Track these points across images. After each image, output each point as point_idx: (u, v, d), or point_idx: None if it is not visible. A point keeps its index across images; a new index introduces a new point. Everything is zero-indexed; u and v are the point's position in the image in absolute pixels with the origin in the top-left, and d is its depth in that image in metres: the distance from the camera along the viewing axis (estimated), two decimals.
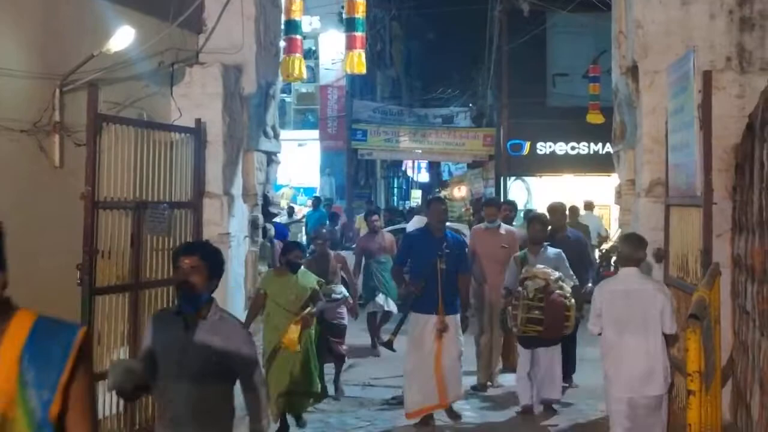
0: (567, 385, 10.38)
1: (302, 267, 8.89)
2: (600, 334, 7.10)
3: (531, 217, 10.76)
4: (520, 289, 8.93)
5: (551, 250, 9.60)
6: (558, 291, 8.83)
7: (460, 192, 33.87)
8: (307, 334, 8.75)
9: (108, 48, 7.68)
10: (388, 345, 9.29)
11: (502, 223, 11.08)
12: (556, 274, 8.97)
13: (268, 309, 8.76)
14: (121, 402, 7.99)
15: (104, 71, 7.84)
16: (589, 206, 20.53)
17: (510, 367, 10.82)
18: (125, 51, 7.93)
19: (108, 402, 7.83)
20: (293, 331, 8.52)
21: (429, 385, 8.85)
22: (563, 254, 9.58)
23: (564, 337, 9.60)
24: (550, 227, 10.20)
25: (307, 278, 8.84)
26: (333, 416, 9.33)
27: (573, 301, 8.94)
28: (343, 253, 12.62)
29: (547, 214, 10.84)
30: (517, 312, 8.84)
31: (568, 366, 10.47)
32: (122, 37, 7.73)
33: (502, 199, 24.89)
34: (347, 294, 10.24)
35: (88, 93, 7.50)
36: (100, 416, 7.71)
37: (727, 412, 7.52)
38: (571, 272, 9.44)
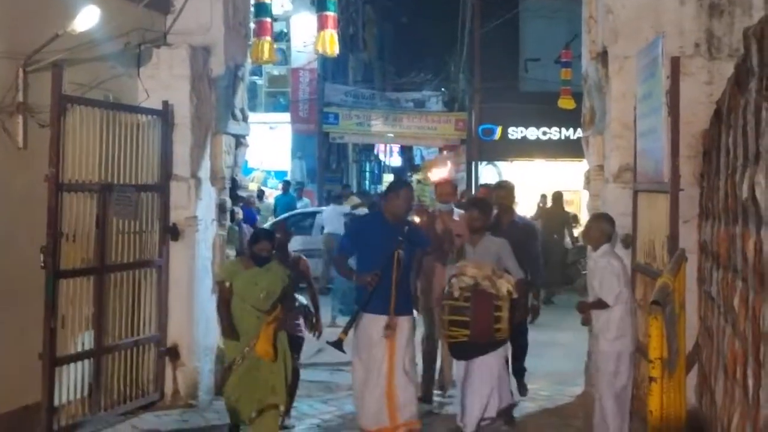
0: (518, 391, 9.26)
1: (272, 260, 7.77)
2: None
3: (469, 200, 9.57)
4: (446, 288, 7.85)
5: (492, 240, 8.31)
6: (489, 289, 7.66)
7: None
8: (281, 338, 7.58)
9: (73, 28, 7.56)
10: (338, 345, 7.48)
11: (455, 208, 9.67)
12: (490, 268, 7.79)
13: (234, 307, 7.65)
14: (86, 386, 7.96)
15: (69, 51, 7.73)
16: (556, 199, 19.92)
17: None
18: (91, 31, 7.81)
19: (72, 386, 7.79)
20: (266, 337, 7.38)
21: (379, 404, 7.42)
22: (507, 244, 8.31)
23: (516, 337, 8.60)
24: (496, 211, 9.20)
25: (278, 270, 7.73)
26: (301, 401, 9.30)
27: (507, 298, 7.66)
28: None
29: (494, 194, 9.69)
30: (442, 314, 7.85)
31: (516, 367, 9.31)
32: (87, 17, 7.61)
33: (472, 184, 25.13)
34: (305, 303, 8.63)
35: (53, 73, 7.41)
36: (65, 400, 7.66)
37: (693, 397, 7.56)
38: (517, 265, 8.23)
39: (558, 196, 18.90)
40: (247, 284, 7.59)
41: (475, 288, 7.61)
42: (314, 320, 8.60)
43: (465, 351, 7.80)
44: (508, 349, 8.31)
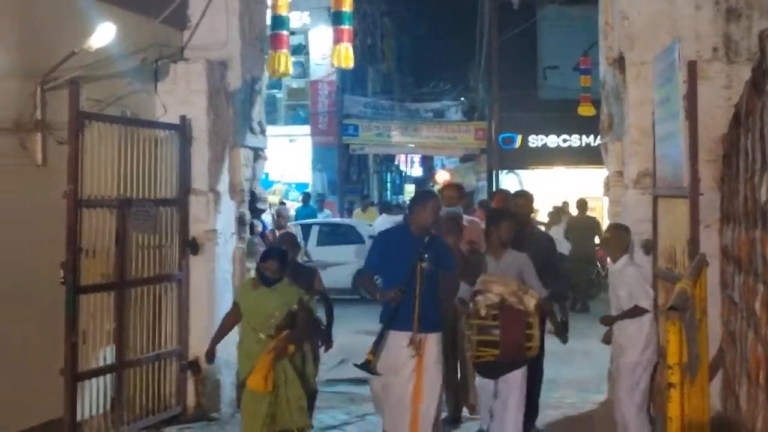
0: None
1: (284, 279, 7.25)
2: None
3: (498, 211, 8.61)
4: (471, 304, 7.36)
5: (515, 255, 7.74)
6: (517, 305, 7.23)
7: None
8: (285, 367, 7.07)
9: (89, 45, 7.62)
10: (366, 367, 6.96)
11: (463, 214, 9.42)
12: (515, 284, 7.35)
13: (241, 328, 7.40)
14: (108, 400, 7.98)
15: (86, 68, 7.79)
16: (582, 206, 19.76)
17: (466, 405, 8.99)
18: (107, 48, 7.87)
19: (95, 401, 7.81)
20: (260, 368, 6.90)
21: (402, 423, 6.94)
22: (530, 261, 7.74)
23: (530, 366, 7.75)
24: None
25: (288, 293, 7.20)
26: (323, 412, 9.28)
27: (536, 316, 7.27)
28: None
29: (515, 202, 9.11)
30: (470, 333, 7.32)
31: (529, 408, 8.07)
32: (103, 34, 7.67)
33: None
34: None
35: (70, 91, 7.46)
36: (87, 415, 7.68)
37: (718, 403, 7.50)
38: (540, 283, 7.63)
39: (583, 203, 18.86)
40: (251, 305, 7.21)
41: (502, 305, 7.18)
42: (326, 335, 8.17)
43: (493, 370, 7.43)
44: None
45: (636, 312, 7.24)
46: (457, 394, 8.92)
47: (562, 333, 8.35)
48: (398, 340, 6.94)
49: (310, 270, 8.59)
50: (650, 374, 7.32)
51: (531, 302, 7.23)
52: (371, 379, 7.22)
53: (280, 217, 14.74)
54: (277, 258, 7.25)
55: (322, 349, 8.25)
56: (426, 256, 6.92)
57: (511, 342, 7.15)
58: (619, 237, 7.57)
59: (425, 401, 6.94)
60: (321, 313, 8.23)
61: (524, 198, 9.24)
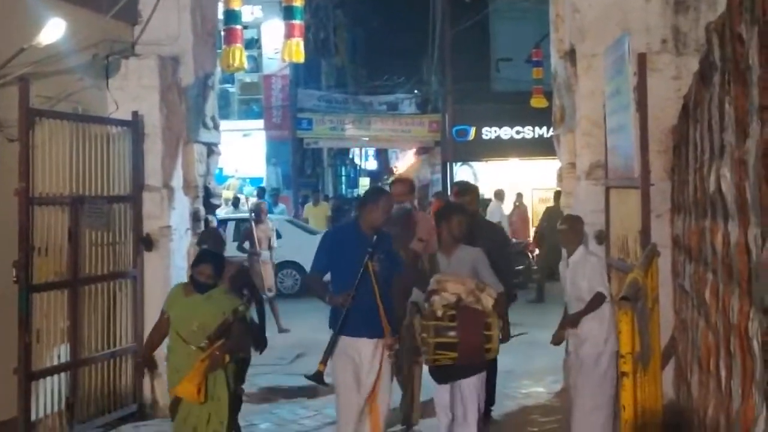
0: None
1: (217, 286, 6.63)
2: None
3: (447, 206, 8.18)
4: (426, 305, 6.97)
5: (467, 250, 7.31)
6: (474, 305, 6.87)
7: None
8: (217, 378, 6.43)
9: (39, 41, 7.53)
10: (318, 378, 6.63)
11: (416, 208, 9.20)
12: (472, 282, 6.96)
13: (169, 339, 6.63)
14: (63, 399, 7.91)
15: (35, 65, 7.70)
16: (498, 195, 20.79)
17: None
18: (57, 44, 7.77)
19: (49, 400, 7.74)
20: (192, 376, 6.26)
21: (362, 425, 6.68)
22: (483, 253, 7.31)
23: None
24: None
25: (221, 300, 6.56)
26: (281, 407, 9.28)
27: (495, 316, 6.90)
28: None
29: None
30: (426, 335, 6.85)
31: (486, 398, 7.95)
32: (53, 30, 7.57)
33: (448, 185, 25.17)
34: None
35: (19, 88, 7.38)
36: (42, 414, 7.62)
37: (671, 390, 7.61)
38: (495, 277, 7.21)
39: (558, 195, 19.21)
40: (181, 314, 6.50)
41: (458, 305, 6.80)
42: (259, 337, 7.75)
43: (449, 374, 7.02)
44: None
45: (597, 300, 7.18)
46: (410, 402, 8.52)
47: (505, 332, 7.57)
48: (354, 346, 6.61)
49: (244, 269, 8.26)
50: (615, 364, 7.31)
51: (489, 301, 6.91)
52: (336, 400, 6.80)
53: (260, 211, 14.66)
54: (211, 262, 6.59)
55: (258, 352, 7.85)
56: (376, 256, 6.61)
57: (470, 344, 6.78)
58: (574, 228, 7.57)
59: (382, 405, 6.76)
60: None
61: (470, 194, 8.84)
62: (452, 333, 6.77)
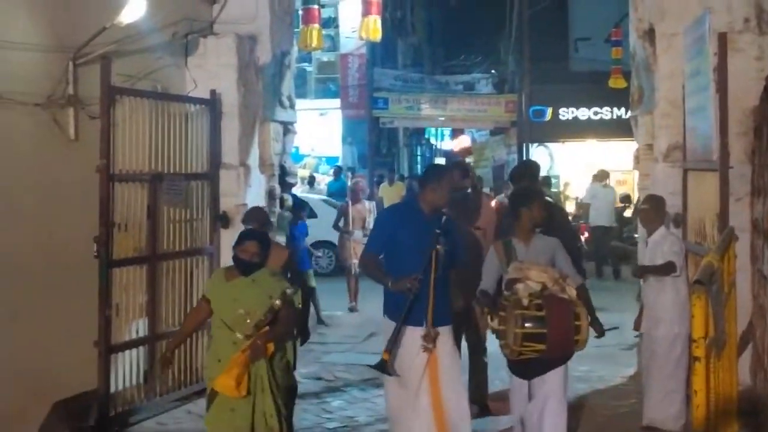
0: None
1: (263, 267, 6.07)
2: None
3: (527, 190, 7.33)
4: (507, 293, 6.44)
5: (545, 239, 6.82)
6: (560, 294, 6.36)
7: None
8: (259, 370, 5.87)
9: (120, 20, 7.66)
10: (382, 367, 6.10)
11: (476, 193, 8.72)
12: (555, 271, 6.47)
13: (213, 328, 6.16)
14: (141, 372, 8.09)
15: (117, 43, 7.85)
16: (599, 177, 19.21)
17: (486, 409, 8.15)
18: (138, 23, 7.90)
19: (128, 373, 7.93)
20: (232, 369, 5.70)
21: (428, 428, 6.17)
22: (560, 243, 6.82)
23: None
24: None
25: (269, 283, 5.99)
26: (353, 385, 9.34)
27: (582, 306, 6.37)
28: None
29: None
30: (506, 327, 6.31)
31: (476, 388, 8.00)
32: (134, 9, 7.70)
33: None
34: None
35: (101, 66, 7.53)
36: (121, 387, 7.81)
37: (748, 377, 7.49)
38: (574, 269, 6.78)
39: (603, 174, 18.95)
40: (224, 299, 5.96)
41: (544, 294, 6.27)
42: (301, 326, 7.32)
43: (533, 368, 6.42)
44: None
45: (668, 267, 7.14)
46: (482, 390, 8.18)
47: (597, 326, 6.81)
48: (415, 336, 6.15)
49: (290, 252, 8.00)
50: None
51: (572, 291, 6.39)
52: (386, 383, 6.37)
53: (357, 190, 14.61)
54: (256, 239, 6.06)
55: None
56: (441, 240, 6.13)
57: (560, 335, 6.20)
58: (656, 208, 7.51)
59: (447, 393, 6.23)
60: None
61: (529, 177, 8.18)
62: (541, 323, 6.18)
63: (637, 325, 7.76)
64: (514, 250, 6.70)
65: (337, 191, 21.76)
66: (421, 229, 6.21)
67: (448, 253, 6.21)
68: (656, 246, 7.38)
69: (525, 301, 6.25)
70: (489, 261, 6.81)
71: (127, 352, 7.94)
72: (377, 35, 10.38)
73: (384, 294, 6.38)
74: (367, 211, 14.36)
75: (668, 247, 7.30)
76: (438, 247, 6.10)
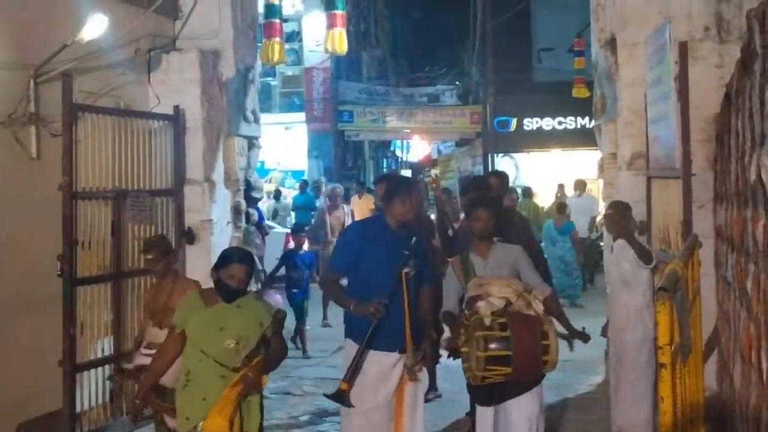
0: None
1: (250, 292, 5.51)
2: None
3: (471, 198, 6.97)
4: (467, 312, 5.88)
5: (505, 247, 6.36)
6: (526, 310, 5.85)
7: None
8: (251, 407, 5.33)
9: (81, 37, 7.61)
10: (340, 398, 5.70)
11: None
12: (520, 284, 5.96)
13: (188, 361, 5.32)
14: (107, 391, 8.00)
15: (78, 60, 7.79)
16: (578, 186, 19.27)
17: None
18: (99, 39, 7.87)
19: (93, 392, 7.84)
20: (223, 407, 5.08)
21: None
22: (523, 251, 6.39)
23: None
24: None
25: (256, 309, 5.36)
26: (323, 399, 9.32)
27: (550, 323, 5.88)
28: None
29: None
30: (468, 350, 5.77)
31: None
32: (95, 26, 7.66)
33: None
34: None
35: (63, 83, 7.46)
36: (87, 406, 7.72)
37: (714, 382, 7.53)
38: (540, 278, 6.33)
39: (581, 184, 19.10)
40: (206, 329, 5.24)
41: (508, 311, 5.75)
42: None
43: (498, 393, 5.91)
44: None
45: (648, 255, 7.16)
46: None
47: (573, 337, 6.44)
48: (380, 362, 5.81)
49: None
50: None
51: (539, 306, 5.89)
52: (344, 413, 5.91)
53: (335, 197, 14.50)
54: (244, 262, 5.34)
55: None
56: (411, 260, 5.83)
57: (527, 356, 5.65)
58: (621, 213, 7.53)
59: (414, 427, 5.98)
60: None
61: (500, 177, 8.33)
62: (506, 344, 5.62)
63: (605, 332, 7.78)
64: (472, 264, 6.24)
65: (303, 205, 21.70)
66: (389, 248, 5.87)
67: (417, 274, 5.91)
68: (621, 250, 7.42)
69: (487, 321, 5.70)
70: (448, 279, 6.38)
71: (92, 371, 7.85)
72: (343, 48, 10.38)
73: (345, 316, 6.06)
74: (345, 216, 14.30)
75: (631, 253, 7.34)
76: (407, 270, 5.80)
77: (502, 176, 8.54)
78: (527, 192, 19.90)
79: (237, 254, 5.48)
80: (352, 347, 5.88)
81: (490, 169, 24.56)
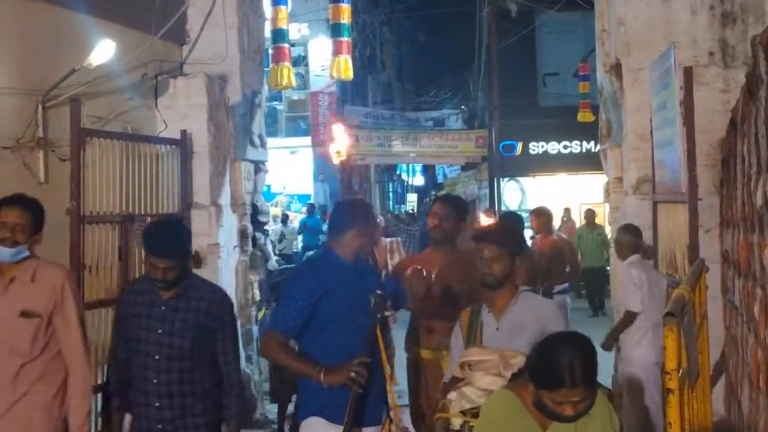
0: None
1: None
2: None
3: (478, 231, 5.09)
4: (441, 403, 4.42)
5: (534, 301, 4.72)
6: None
7: None
8: None
9: (89, 62, 7.66)
10: None
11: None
12: (521, 357, 4.12)
13: None
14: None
15: (87, 85, 7.83)
16: (589, 217, 19.13)
17: None
18: (107, 64, 7.91)
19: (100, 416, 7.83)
20: None
21: None
22: (557, 309, 4.95)
23: None
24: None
25: None
26: None
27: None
28: None
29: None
30: None
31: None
32: (103, 51, 7.71)
33: (495, 201, 25.10)
34: None
35: (71, 108, 7.49)
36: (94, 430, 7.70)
37: (722, 407, 7.52)
38: None
39: (590, 214, 19.09)
40: None
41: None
42: None
43: None
44: None
45: (627, 318, 7.39)
46: None
47: None
48: None
49: None
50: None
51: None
52: None
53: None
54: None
55: None
56: (388, 302, 4.72)
57: None
58: (623, 237, 7.81)
59: None
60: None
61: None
62: None
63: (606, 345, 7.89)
64: (480, 323, 4.64)
65: (311, 227, 21.77)
66: (353, 291, 4.67)
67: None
68: (621, 275, 7.59)
69: (456, 423, 4.22)
70: (453, 339, 4.81)
71: (99, 395, 7.83)
72: (348, 74, 10.43)
73: (301, 387, 4.83)
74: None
75: (625, 283, 7.47)
76: (387, 313, 4.67)
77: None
78: (590, 218, 19.00)
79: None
80: (322, 428, 4.59)
81: (496, 194, 24.61)
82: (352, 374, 4.34)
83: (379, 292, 4.55)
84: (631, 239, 7.81)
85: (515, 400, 3.64)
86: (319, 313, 4.61)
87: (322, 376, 4.46)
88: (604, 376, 9.71)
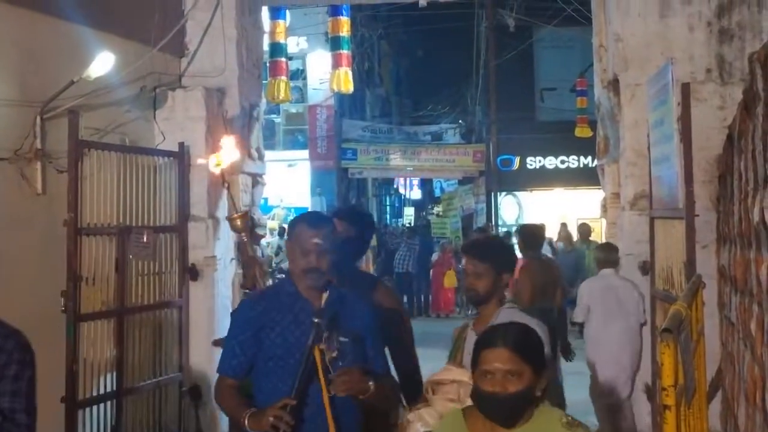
0: None
1: None
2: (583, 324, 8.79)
3: (468, 242, 5.15)
4: (401, 423, 4.26)
5: (514, 316, 4.21)
6: None
7: None
8: None
9: (88, 74, 7.67)
10: None
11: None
12: None
13: None
14: (109, 428, 7.97)
15: (85, 97, 7.84)
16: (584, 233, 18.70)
17: None
18: (106, 76, 7.92)
19: (95, 429, 7.81)
20: None
21: None
22: (545, 329, 4.23)
23: None
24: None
25: None
26: None
27: None
28: None
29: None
30: None
31: None
32: (102, 63, 7.72)
33: (492, 215, 25.14)
34: None
35: (69, 120, 7.50)
36: None
37: (718, 423, 7.51)
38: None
39: (585, 228, 18.93)
40: None
41: None
42: None
43: None
44: None
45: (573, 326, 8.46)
46: None
47: None
48: None
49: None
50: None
51: None
52: None
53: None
54: None
55: None
56: (331, 333, 3.94)
57: None
58: (595, 254, 9.14)
59: None
60: None
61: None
62: None
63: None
64: (464, 340, 4.48)
65: None
66: (299, 327, 4.05)
67: (351, 357, 4.01)
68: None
69: None
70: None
71: (94, 407, 7.82)
72: (348, 87, 10.49)
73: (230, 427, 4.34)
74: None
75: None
76: (321, 346, 3.91)
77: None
78: (585, 232, 18.37)
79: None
80: None
81: (493, 208, 24.64)
82: (271, 419, 3.75)
83: (316, 320, 3.91)
84: (601, 256, 8.75)
85: (460, 421, 3.31)
86: (261, 347, 4.08)
87: (246, 421, 3.90)
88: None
